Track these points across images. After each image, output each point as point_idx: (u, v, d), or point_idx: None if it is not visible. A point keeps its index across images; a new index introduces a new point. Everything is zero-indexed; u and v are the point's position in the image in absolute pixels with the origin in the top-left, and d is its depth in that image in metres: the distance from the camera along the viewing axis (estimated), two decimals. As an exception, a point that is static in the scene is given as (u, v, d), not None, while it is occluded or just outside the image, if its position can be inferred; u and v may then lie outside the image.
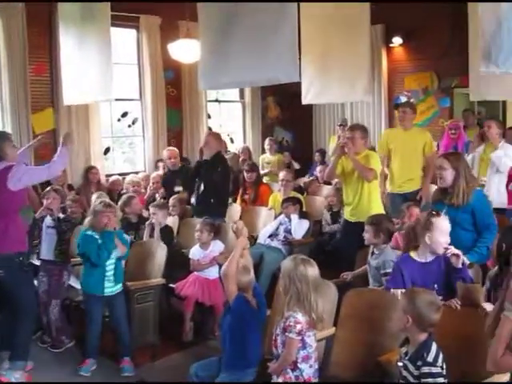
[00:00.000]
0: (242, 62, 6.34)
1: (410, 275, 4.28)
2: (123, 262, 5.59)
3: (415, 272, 4.30)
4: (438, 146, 9.83)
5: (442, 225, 4.33)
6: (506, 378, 3.16)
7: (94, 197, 7.42)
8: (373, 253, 5.27)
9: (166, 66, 10.58)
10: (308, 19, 7.89)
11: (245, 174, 8.81)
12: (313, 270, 3.83)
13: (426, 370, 3.18)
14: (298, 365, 3.75)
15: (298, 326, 3.68)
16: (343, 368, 4.10)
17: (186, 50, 8.61)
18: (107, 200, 5.77)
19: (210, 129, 11.14)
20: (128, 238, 5.98)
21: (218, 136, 7.68)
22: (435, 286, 4.24)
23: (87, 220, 5.71)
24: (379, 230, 5.21)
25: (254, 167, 8.99)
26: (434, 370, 3.19)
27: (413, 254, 4.42)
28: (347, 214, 6.57)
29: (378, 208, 6.38)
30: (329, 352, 4.21)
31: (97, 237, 5.28)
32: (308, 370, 3.78)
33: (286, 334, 3.70)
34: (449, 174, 4.97)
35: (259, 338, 4.14)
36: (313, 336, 3.81)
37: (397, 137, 7.51)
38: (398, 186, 7.43)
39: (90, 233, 5.33)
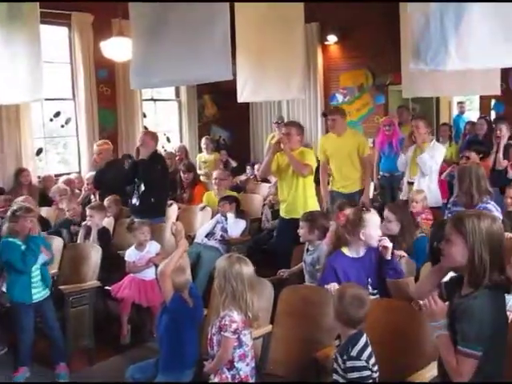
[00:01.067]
0: (173, 60, 6.29)
1: (343, 271, 4.31)
2: (49, 267, 5.44)
3: (348, 268, 4.34)
4: (373, 142, 9.99)
5: (374, 219, 4.44)
6: (432, 372, 3.22)
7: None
8: (308, 249, 5.29)
9: (99, 65, 10.41)
10: (243, 17, 7.87)
11: (181, 174, 8.75)
12: (248, 269, 3.81)
13: (349, 364, 3.21)
14: (235, 364, 3.72)
15: (234, 325, 3.66)
16: (281, 365, 4.10)
17: (118, 49, 8.49)
18: (26, 204, 5.62)
19: (145, 128, 11.02)
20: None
21: (154, 135, 7.61)
22: (369, 279, 4.30)
23: (5, 227, 5.42)
24: (314, 227, 5.24)
25: (190, 167, 8.94)
26: (358, 363, 3.21)
27: (345, 250, 4.46)
28: (282, 211, 6.61)
29: (313, 204, 6.45)
30: (266, 350, 4.21)
31: (19, 243, 5.08)
32: (245, 369, 3.76)
33: (222, 333, 3.68)
34: (394, 226, 5.14)
35: (196, 338, 4.11)
36: (248, 334, 3.80)
37: (331, 143, 7.57)
38: (340, 186, 7.50)
39: (11, 240, 5.10)
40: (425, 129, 7.08)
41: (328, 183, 7.63)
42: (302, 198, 6.39)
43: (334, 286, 4.09)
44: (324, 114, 7.60)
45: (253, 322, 3.81)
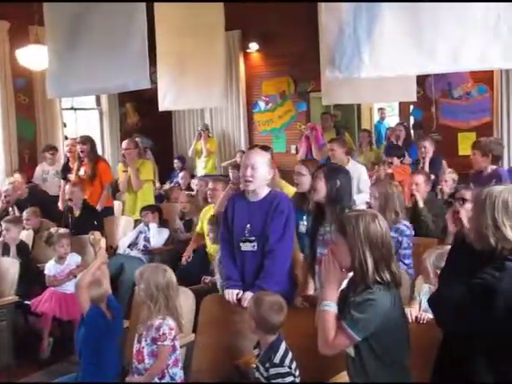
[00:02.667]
0: (90, 68, 6.22)
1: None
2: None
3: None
4: (296, 149, 10.09)
5: None
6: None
7: None
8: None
9: (16, 74, 10.10)
10: (163, 25, 7.83)
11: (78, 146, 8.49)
12: (174, 277, 3.90)
13: (273, 371, 3.25)
14: (169, 369, 3.74)
15: (173, 332, 3.71)
16: (204, 374, 4.10)
17: (35, 57, 8.27)
18: None
19: (66, 138, 10.78)
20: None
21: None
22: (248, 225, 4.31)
23: None
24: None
25: (86, 140, 8.63)
26: (282, 370, 3.26)
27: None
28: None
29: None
30: (189, 359, 4.20)
31: None
32: (179, 373, 3.82)
33: (159, 343, 3.68)
34: (306, 180, 5.14)
35: (116, 350, 4.07)
36: (178, 340, 3.85)
37: None
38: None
39: None
40: (340, 149, 7.09)
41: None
42: None
43: (232, 294, 4.15)
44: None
45: (182, 327, 3.91)
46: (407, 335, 2.93)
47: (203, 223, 6.37)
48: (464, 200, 4.70)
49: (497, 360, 2.64)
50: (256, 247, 4.19)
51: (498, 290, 2.53)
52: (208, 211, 6.44)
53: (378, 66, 4.73)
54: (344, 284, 2.99)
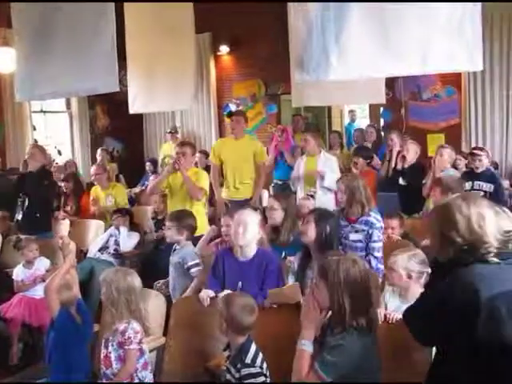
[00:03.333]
0: (58, 71, 6.17)
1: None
2: None
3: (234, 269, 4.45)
4: (267, 151, 10.10)
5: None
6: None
7: None
8: (175, 249, 5.26)
9: (-16, 77, 10.01)
10: (133, 28, 7.82)
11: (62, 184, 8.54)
12: (137, 280, 3.88)
13: (245, 371, 3.26)
14: (139, 373, 3.71)
15: (139, 336, 3.68)
16: (175, 377, 4.08)
17: (3, 59, 8.20)
18: None
19: (35, 141, 10.67)
20: None
21: (42, 149, 7.41)
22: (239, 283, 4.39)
23: None
24: (182, 227, 5.19)
25: (69, 177, 8.70)
26: (254, 370, 3.28)
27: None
28: None
29: (203, 223, 6.41)
30: (160, 362, 4.19)
31: None
32: (149, 376, 3.79)
33: (126, 347, 3.65)
34: (278, 214, 5.23)
35: (86, 354, 4.03)
36: (146, 343, 3.82)
37: (228, 146, 7.60)
38: (233, 192, 7.53)
39: None
40: (314, 141, 7.20)
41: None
42: None
43: (206, 293, 4.22)
44: (229, 114, 7.59)
45: (148, 330, 3.87)
46: (379, 376, 3.00)
47: (170, 183, 6.58)
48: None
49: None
50: None
51: (447, 298, 2.52)
52: (176, 177, 6.51)
53: (346, 68, 4.78)
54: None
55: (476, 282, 2.45)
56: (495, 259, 2.51)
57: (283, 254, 4.99)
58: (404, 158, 7.23)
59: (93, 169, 8.26)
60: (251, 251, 4.45)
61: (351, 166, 7.94)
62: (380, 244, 5.06)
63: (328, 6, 4.86)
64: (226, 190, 7.61)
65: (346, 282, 2.90)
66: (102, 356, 3.78)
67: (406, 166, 7.20)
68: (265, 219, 5.44)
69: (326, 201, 6.88)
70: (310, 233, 4.35)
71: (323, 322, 3.07)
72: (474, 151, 7.11)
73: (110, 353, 3.72)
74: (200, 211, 6.47)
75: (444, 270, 2.62)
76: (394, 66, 4.77)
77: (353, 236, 5.04)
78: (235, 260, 4.47)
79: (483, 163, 6.82)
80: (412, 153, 7.20)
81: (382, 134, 10.61)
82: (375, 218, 5.08)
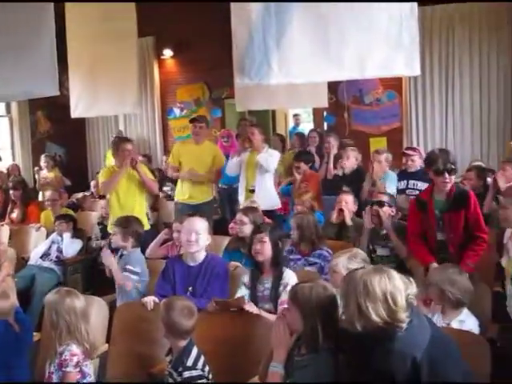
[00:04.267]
0: (-4, 74, 6.02)
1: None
2: None
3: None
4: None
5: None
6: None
7: None
8: (121, 255, 5.20)
9: None
10: (74, 31, 7.72)
11: (11, 191, 8.40)
12: (78, 301, 3.80)
13: (187, 374, 3.28)
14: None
15: (75, 358, 3.62)
16: (118, 384, 4.05)
17: None
18: None
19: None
20: None
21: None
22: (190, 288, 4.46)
23: None
24: (128, 233, 5.14)
25: (17, 185, 8.56)
26: (195, 373, 3.30)
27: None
28: (109, 227, 6.50)
29: (145, 220, 6.45)
30: (103, 369, 4.14)
31: None
32: None
33: (63, 369, 3.61)
34: (248, 228, 5.24)
35: (26, 363, 3.98)
36: (90, 365, 3.77)
37: (188, 150, 7.58)
38: (188, 196, 7.50)
39: None
40: (260, 136, 7.23)
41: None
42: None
43: (149, 299, 4.23)
44: (192, 120, 7.57)
45: (91, 351, 3.79)
46: None
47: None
48: (381, 203, 5.40)
49: None
50: None
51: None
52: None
53: (287, 73, 4.83)
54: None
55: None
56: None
57: (243, 261, 5.05)
58: (342, 166, 7.30)
59: (47, 194, 8.12)
60: (201, 256, 4.54)
61: (293, 170, 8.01)
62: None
63: (270, 10, 4.90)
64: (180, 192, 7.60)
65: (318, 307, 3.02)
66: (46, 375, 3.73)
67: (346, 172, 7.28)
68: None
69: (265, 196, 6.93)
70: (267, 252, 4.40)
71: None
72: (406, 151, 7.25)
73: (51, 373, 3.68)
74: (143, 206, 6.61)
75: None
76: (334, 71, 4.83)
77: (307, 269, 5.10)
78: (185, 265, 4.53)
79: (415, 163, 6.95)
80: (352, 159, 7.29)
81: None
82: (327, 251, 5.16)
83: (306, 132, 10.51)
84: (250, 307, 3.98)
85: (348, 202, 5.99)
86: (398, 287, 2.74)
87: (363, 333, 2.71)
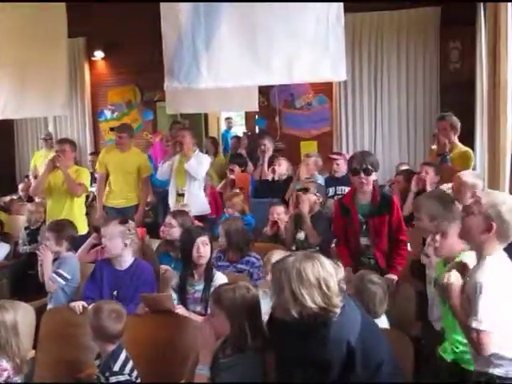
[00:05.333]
0: None
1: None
2: None
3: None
4: (149, 157, 10.03)
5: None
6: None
7: None
8: (55, 259, 5.09)
9: None
10: (2, 33, 7.55)
11: None
12: (9, 315, 3.72)
13: (113, 379, 3.28)
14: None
15: (5, 374, 3.58)
16: (45, 391, 3.99)
17: None
18: None
19: None
20: None
21: None
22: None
23: None
24: (62, 237, 5.06)
25: None
26: (122, 378, 3.31)
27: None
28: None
29: (83, 223, 6.38)
30: (30, 377, 4.06)
31: None
32: None
33: None
34: (176, 231, 5.26)
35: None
36: (20, 380, 3.71)
37: (114, 157, 7.54)
38: (116, 201, 7.45)
39: None
40: (190, 139, 7.24)
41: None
42: (72, 218, 6.25)
43: (78, 303, 4.22)
44: (111, 129, 7.52)
45: (22, 366, 3.72)
46: None
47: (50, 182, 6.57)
48: (307, 189, 5.61)
49: None
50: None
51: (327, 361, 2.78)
52: (56, 176, 6.54)
53: (216, 77, 4.86)
54: None
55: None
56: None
57: (172, 265, 5.11)
58: (274, 170, 7.39)
59: None
60: (127, 261, 4.56)
61: (227, 173, 8.06)
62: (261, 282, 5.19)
63: (199, 12, 4.92)
64: (109, 196, 7.57)
65: (244, 307, 3.09)
66: None
67: (276, 178, 7.36)
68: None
69: (195, 202, 6.95)
70: (208, 255, 4.47)
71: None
72: (331, 156, 7.37)
73: (-19, 389, 3.60)
74: (81, 209, 6.62)
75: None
76: (263, 75, 4.90)
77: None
78: (113, 269, 4.55)
79: (341, 167, 7.07)
80: (284, 167, 7.37)
81: (258, 141, 10.76)
82: (255, 257, 5.21)
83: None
84: (180, 309, 4.00)
85: (280, 213, 6.04)
86: (330, 272, 2.80)
87: (297, 322, 2.75)
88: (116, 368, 3.30)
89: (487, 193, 3.45)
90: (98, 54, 11.91)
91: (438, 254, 3.71)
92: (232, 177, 7.70)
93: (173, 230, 5.33)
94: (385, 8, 9.68)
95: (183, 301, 4.33)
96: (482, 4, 7.59)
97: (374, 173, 4.65)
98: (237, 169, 7.82)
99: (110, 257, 4.57)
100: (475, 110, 8.41)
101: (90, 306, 3.70)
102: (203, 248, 4.40)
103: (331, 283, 2.77)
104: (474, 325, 2.71)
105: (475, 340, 2.75)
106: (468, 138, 8.53)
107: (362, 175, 4.61)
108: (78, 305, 4.20)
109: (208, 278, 4.35)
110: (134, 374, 3.36)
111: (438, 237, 3.57)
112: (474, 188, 5.12)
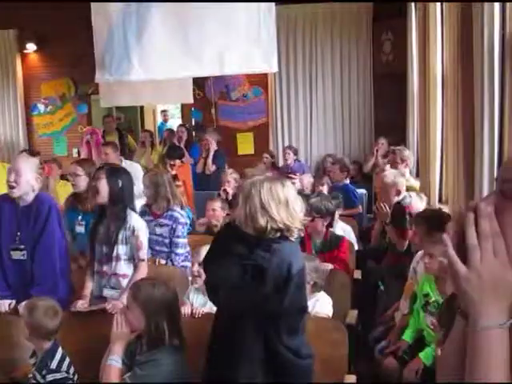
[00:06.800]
0: None
1: None
2: None
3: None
4: (78, 153, 9.89)
5: None
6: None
7: None
8: None
9: None
10: None
11: None
12: None
13: (50, 377, 3.25)
14: None
15: None
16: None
17: None
18: None
19: None
20: None
21: None
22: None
23: None
24: None
25: None
26: (59, 375, 3.27)
27: None
28: None
29: None
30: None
31: None
32: None
33: None
34: (82, 180, 5.07)
35: None
36: None
37: None
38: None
39: None
40: (114, 153, 6.89)
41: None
42: None
43: (4, 304, 4.10)
44: None
45: None
46: None
47: None
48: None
49: (264, 328, 2.86)
50: (26, 255, 4.13)
51: (268, 269, 2.79)
52: None
53: (148, 69, 4.83)
54: None
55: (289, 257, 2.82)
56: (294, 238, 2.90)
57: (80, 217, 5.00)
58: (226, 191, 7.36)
59: None
60: (29, 198, 4.20)
61: (167, 166, 8.02)
62: (184, 240, 5.17)
63: (130, 6, 4.88)
64: None
65: (162, 305, 3.10)
66: None
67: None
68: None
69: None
70: (103, 188, 4.20)
71: (131, 341, 3.21)
72: (288, 175, 7.41)
73: None
74: None
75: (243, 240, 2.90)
76: (194, 67, 4.90)
77: (158, 230, 5.11)
78: (15, 206, 4.20)
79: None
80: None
81: (194, 133, 10.77)
82: (179, 213, 5.18)
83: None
84: (112, 307, 3.95)
85: (216, 208, 6.04)
86: (297, 199, 2.92)
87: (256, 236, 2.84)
88: (53, 366, 3.25)
89: None
90: (31, 47, 11.63)
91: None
92: (173, 172, 7.66)
93: (78, 178, 5.09)
94: (319, 0, 9.80)
95: (93, 244, 4.24)
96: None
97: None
98: (177, 162, 7.79)
99: (15, 195, 4.15)
100: (407, 100, 8.61)
101: (23, 304, 3.63)
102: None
103: (297, 207, 2.88)
104: None
105: None
106: (401, 128, 8.78)
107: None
108: (5, 307, 4.06)
109: (117, 218, 4.16)
110: (71, 370, 3.32)
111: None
112: (396, 186, 5.47)
